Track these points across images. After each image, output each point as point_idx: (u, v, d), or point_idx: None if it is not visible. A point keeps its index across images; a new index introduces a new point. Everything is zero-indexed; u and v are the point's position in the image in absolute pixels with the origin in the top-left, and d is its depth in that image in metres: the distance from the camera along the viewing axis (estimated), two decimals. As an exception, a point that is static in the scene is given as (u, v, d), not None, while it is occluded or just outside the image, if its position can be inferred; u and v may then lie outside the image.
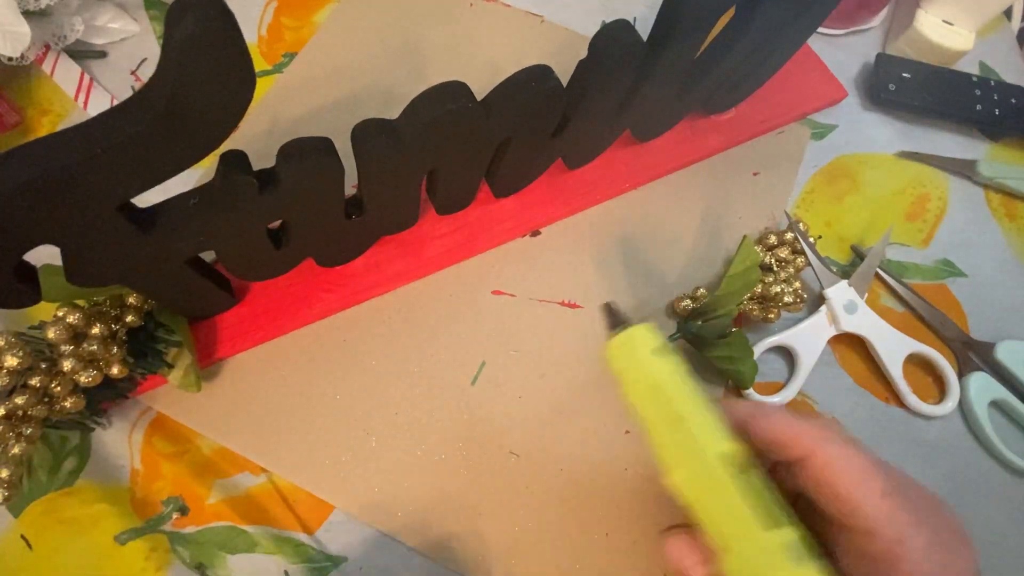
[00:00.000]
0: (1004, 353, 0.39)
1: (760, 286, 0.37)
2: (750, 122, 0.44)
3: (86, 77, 0.41)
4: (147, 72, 0.43)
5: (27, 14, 0.38)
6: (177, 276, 0.30)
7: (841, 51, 0.49)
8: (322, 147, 0.27)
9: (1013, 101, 0.46)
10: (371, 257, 0.38)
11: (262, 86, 0.42)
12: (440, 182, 0.34)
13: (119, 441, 0.34)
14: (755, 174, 0.43)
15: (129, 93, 0.41)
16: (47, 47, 0.41)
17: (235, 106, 0.22)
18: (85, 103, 0.41)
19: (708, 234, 0.41)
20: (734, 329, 0.36)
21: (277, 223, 0.31)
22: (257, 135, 0.41)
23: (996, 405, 0.38)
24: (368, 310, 0.38)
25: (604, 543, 0.34)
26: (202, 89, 0.20)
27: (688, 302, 0.37)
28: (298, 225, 0.31)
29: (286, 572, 0.32)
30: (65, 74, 0.41)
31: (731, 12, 0.32)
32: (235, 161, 0.26)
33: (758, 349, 0.38)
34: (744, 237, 0.34)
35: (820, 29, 0.50)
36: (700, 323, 0.36)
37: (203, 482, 0.33)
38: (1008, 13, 0.54)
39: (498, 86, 0.28)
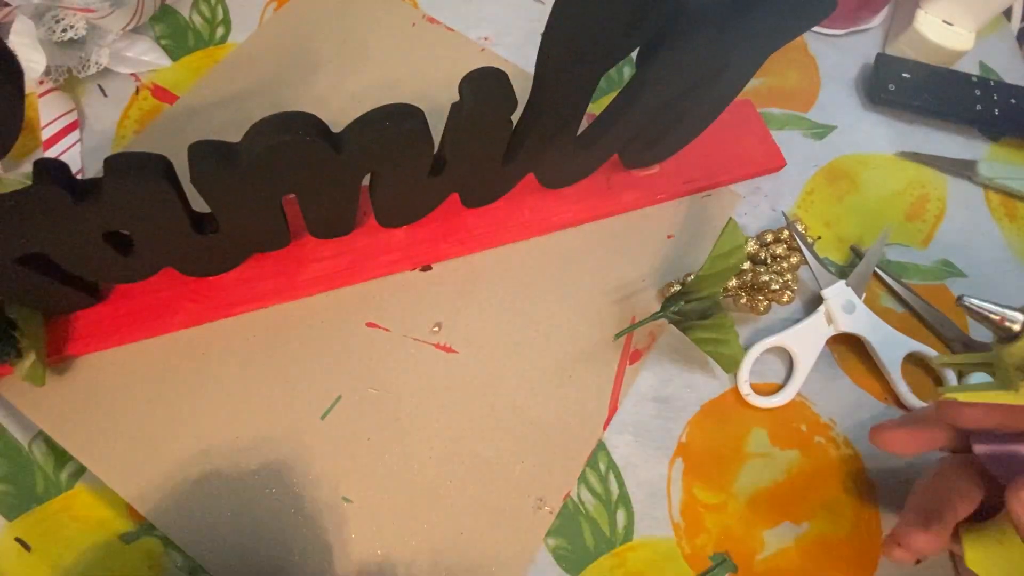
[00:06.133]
0: (1004, 354, 0.38)
1: (750, 275, 0.37)
2: (672, 182, 0.41)
3: (72, 115, 0.40)
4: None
5: (59, 43, 0.38)
6: (11, 273, 0.29)
7: (841, 51, 0.49)
8: (151, 166, 0.26)
9: (1013, 101, 0.46)
10: (244, 272, 0.36)
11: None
12: (306, 207, 0.33)
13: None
14: (670, 237, 0.41)
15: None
16: (69, 70, 0.40)
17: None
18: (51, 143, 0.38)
19: (609, 293, 0.39)
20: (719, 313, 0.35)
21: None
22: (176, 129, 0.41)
23: (996, 406, 0.38)
24: (233, 325, 0.36)
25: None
26: None
27: (677, 286, 0.37)
28: (140, 237, 0.30)
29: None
30: (51, 105, 0.39)
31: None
32: (49, 169, 0.25)
33: (756, 350, 0.37)
34: (729, 219, 0.34)
35: (820, 29, 0.49)
36: (683, 303, 0.36)
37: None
38: (1008, 13, 0.53)
39: (354, 121, 0.27)
